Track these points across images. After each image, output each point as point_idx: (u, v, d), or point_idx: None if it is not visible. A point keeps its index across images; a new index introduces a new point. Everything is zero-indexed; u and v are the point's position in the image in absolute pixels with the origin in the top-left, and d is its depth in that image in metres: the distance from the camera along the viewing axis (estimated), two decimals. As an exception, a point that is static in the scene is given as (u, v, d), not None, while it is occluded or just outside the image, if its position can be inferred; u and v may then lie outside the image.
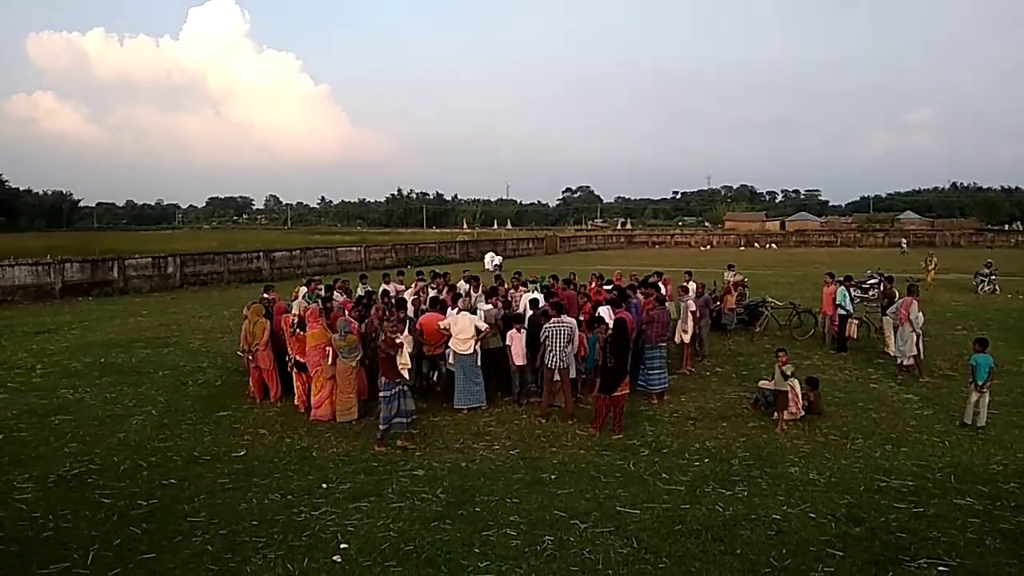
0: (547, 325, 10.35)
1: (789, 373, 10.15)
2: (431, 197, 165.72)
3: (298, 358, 10.71)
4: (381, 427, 9.09)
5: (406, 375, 9.34)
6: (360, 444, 9.34)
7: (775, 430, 9.82)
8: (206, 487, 7.91)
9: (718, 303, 17.60)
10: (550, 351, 10.26)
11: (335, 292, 13.80)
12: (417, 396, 11.40)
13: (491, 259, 42.02)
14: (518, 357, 10.96)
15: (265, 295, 12.73)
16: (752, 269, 38.30)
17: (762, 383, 10.93)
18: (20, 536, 6.81)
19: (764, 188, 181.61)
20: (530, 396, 11.10)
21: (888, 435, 9.67)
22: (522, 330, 11.01)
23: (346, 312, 11.57)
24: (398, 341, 9.29)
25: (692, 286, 15.07)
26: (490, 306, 11.76)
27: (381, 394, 9.12)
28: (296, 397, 10.92)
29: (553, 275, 16.27)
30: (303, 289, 13.46)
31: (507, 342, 10.95)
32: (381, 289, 14.58)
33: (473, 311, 11.50)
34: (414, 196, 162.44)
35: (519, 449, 9.12)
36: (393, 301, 12.74)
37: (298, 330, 10.80)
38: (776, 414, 10.12)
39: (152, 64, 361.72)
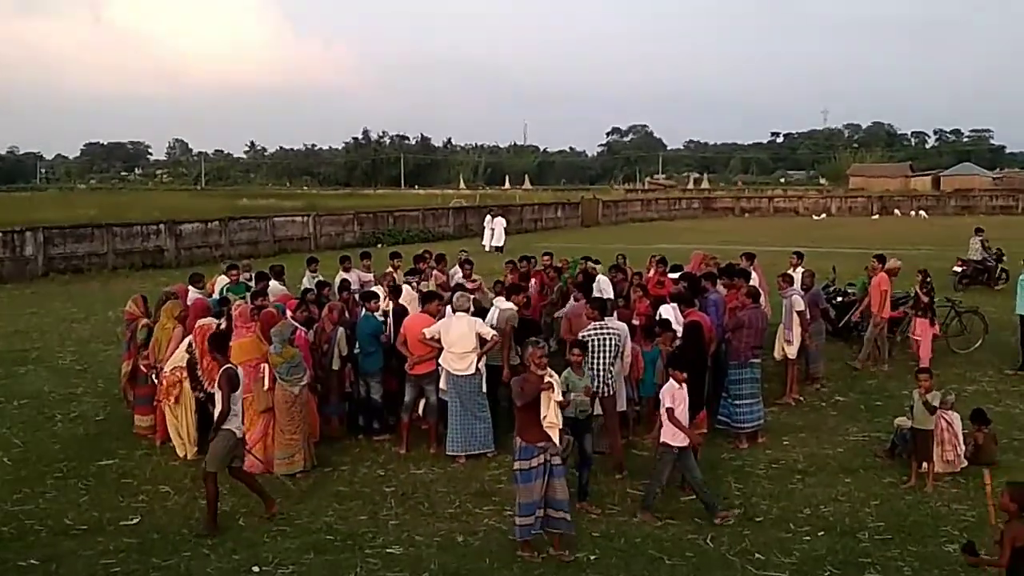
0: (585, 332, 10.34)
1: (937, 405, 10.02)
2: (412, 143, 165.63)
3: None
4: (519, 521, 8.29)
5: (555, 438, 8.32)
6: (309, 508, 9.38)
7: (915, 487, 9.79)
8: (83, 570, 7.94)
9: (840, 298, 17.44)
10: (588, 370, 10.22)
11: (272, 282, 13.86)
12: (392, 436, 11.49)
13: (491, 225, 41.43)
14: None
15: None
16: (890, 247, 37.87)
17: (901, 420, 10.85)
18: None
19: (907, 127, 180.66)
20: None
21: (1094, 497, 9.58)
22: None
23: (287, 313, 11.60)
24: (547, 379, 8.37)
25: (799, 274, 14.98)
26: (511, 305, 11.75)
27: (515, 466, 8.41)
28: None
29: (587, 257, 16.24)
30: (222, 279, 13.53)
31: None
32: (339, 279, 14.61)
33: (481, 312, 11.54)
34: (387, 141, 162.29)
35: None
36: (356, 297, 12.76)
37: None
38: (915, 464, 10.07)
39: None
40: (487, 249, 38.55)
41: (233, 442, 8.97)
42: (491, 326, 11.20)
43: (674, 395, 9.07)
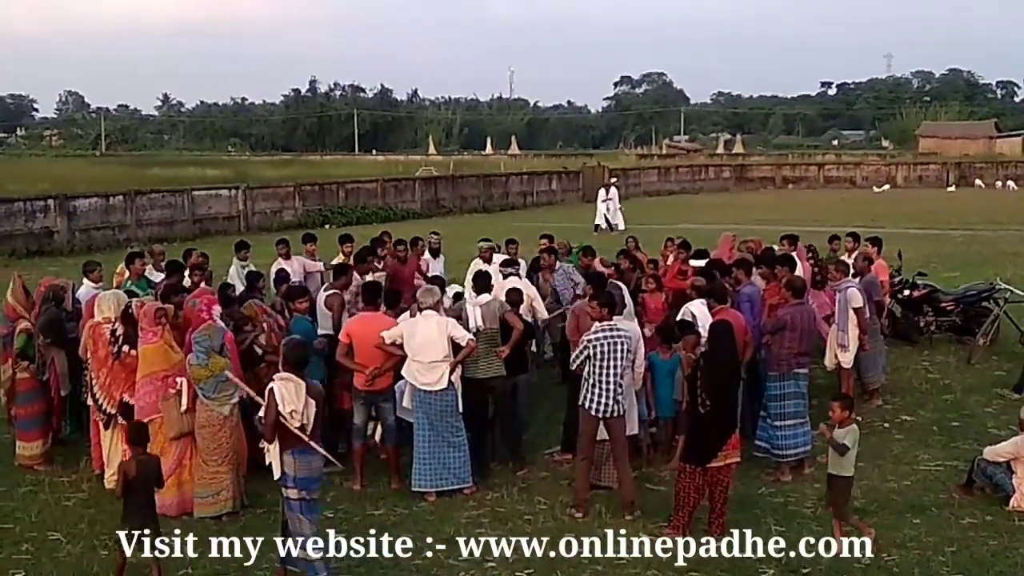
0: (588, 336, 10.33)
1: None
2: (369, 96, 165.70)
3: (126, 398, 10.71)
4: None
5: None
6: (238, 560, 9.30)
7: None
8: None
9: (908, 291, 17.37)
10: (593, 384, 10.26)
11: (187, 273, 13.78)
12: (343, 469, 11.42)
13: (605, 198, 42.04)
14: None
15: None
16: (970, 228, 38.06)
17: (995, 449, 10.79)
18: None
19: (992, 76, 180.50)
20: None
21: None
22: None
23: (211, 312, 11.51)
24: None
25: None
26: (488, 297, 11.73)
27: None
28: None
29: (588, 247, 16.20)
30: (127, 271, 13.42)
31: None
32: (275, 268, 14.58)
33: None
34: (337, 95, 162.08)
35: (535, 569, 9.07)
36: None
37: (124, 347, 10.77)
38: (1016, 502, 10.09)
39: None
40: (603, 226, 39.13)
41: None
42: (477, 328, 11.22)
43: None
